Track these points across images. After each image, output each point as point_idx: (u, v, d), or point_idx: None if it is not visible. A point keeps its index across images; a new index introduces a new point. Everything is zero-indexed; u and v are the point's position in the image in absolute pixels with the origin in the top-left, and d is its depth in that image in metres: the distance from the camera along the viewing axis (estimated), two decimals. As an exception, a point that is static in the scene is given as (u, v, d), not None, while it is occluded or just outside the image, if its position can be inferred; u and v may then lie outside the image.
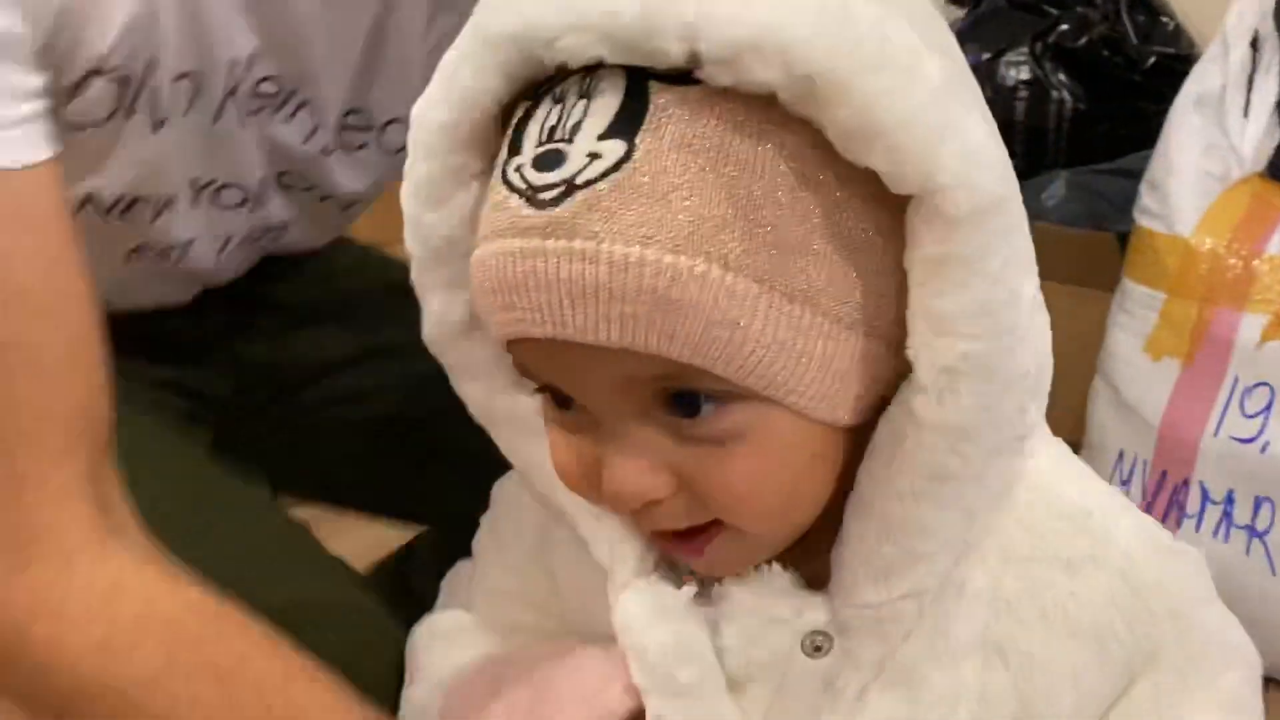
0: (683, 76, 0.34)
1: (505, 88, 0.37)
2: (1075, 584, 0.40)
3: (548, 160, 0.35)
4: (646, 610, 0.41)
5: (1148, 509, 1.35)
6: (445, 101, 0.39)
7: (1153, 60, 1.87)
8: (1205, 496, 1.30)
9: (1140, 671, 0.40)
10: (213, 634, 0.44)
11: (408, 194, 0.42)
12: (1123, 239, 1.56)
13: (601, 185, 0.34)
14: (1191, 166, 1.37)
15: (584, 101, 0.34)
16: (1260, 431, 1.25)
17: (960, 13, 2.16)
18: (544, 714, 0.40)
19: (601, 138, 0.34)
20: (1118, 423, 1.41)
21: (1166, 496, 1.34)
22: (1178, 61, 1.57)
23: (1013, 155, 1.76)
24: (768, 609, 0.40)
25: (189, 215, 0.58)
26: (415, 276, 0.44)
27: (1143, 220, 1.44)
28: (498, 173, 0.38)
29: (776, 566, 0.41)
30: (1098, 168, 1.96)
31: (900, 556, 0.38)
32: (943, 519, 0.38)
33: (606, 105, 0.34)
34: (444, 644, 0.52)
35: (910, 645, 0.40)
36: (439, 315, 0.44)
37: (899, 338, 0.38)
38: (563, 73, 0.36)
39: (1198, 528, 1.29)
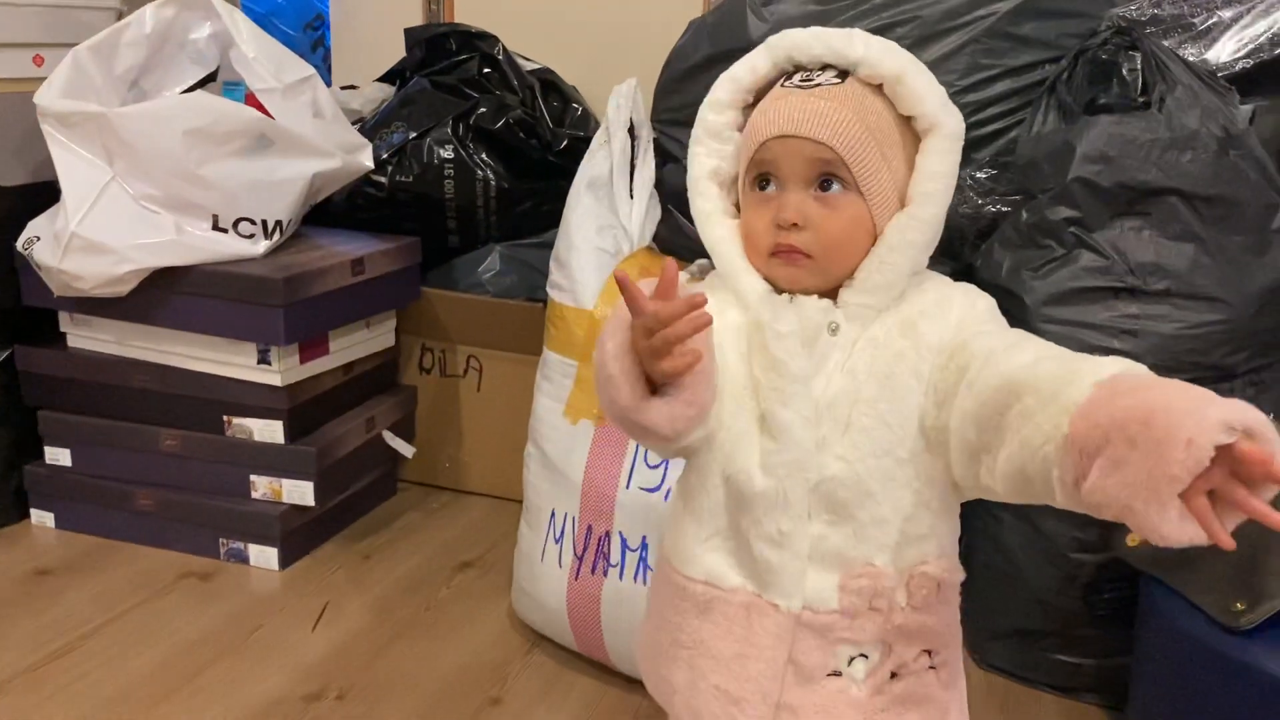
0: (846, 73, 0.82)
1: (764, 73, 0.85)
2: (950, 306, 0.82)
3: (809, 79, 0.81)
4: (767, 304, 0.81)
5: (579, 564, 1.44)
6: (728, 85, 0.86)
7: (565, 142, 2.04)
8: (624, 545, 1.40)
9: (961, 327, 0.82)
10: None
11: (705, 122, 0.87)
12: (544, 310, 1.66)
13: (829, 86, 0.80)
14: (589, 244, 1.49)
15: (823, 70, 0.82)
16: (661, 481, 1.38)
17: (389, 90, 2.21)
18: None
19: (832, 78, 0.81)
20: (548, 483, 1.49)
21: (594, 549, 1.43)
22: (585, 144, 1.71)
23: (447, 232, 1.84)
24: (815, 307, 0.81)
25: None
26: (694, 149, 0.88)
27: (553, 294, 1.55)
28: (779, 85, 0.84)
29: (819, 296, 0.81)
30: (527, 241, 2.09)
31: (880, 284, 0.80)
32: (901, 268, 0.80)
33: (831, 72, 0.82)
34: None
35: (876, 325, 0.81)
36: (708, 168, 0.87)
37: (904, 194, 0.82)
38: (798, 66, 0.84)
39: (620, 575, 1.40)
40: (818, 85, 0.80)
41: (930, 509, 0.80)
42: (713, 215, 0.86)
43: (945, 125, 0.81)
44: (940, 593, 0.82)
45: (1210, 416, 0.58)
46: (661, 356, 0.71)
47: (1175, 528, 0.59)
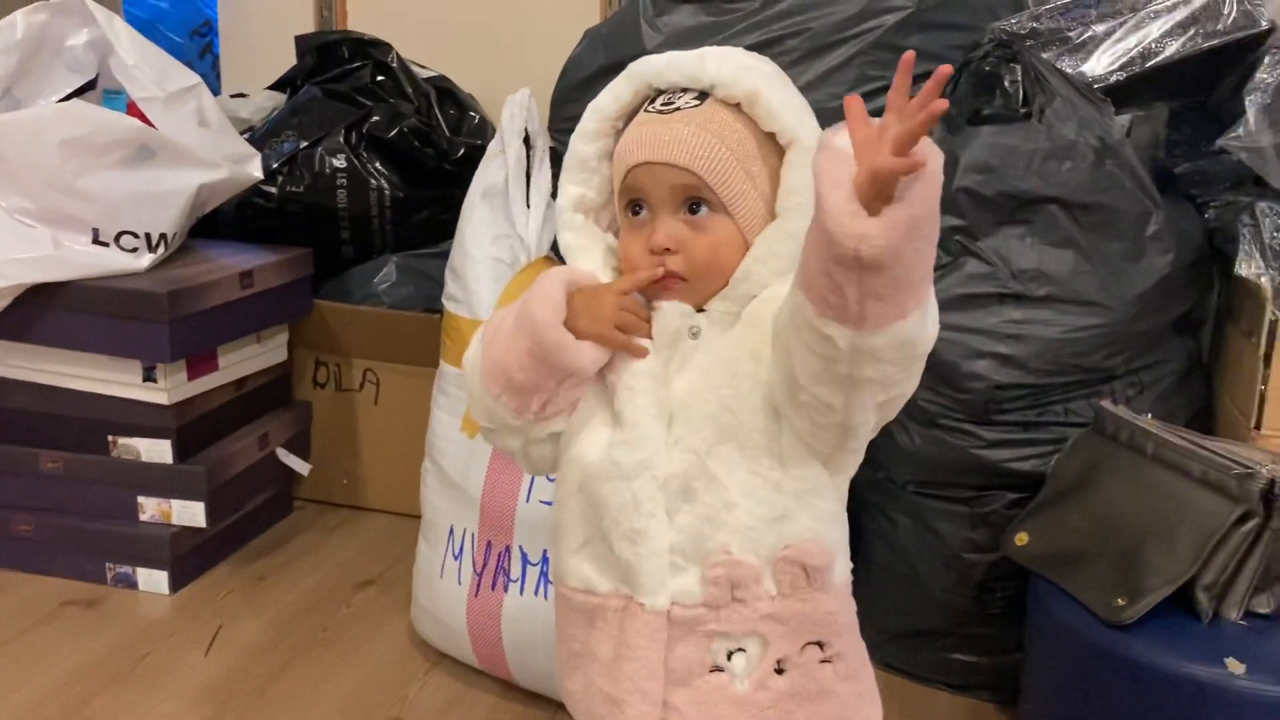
0: (706, 94, 0.83)
1: (628, 101, 0.87)
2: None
3: (669, 103, 0.83)
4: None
5: (479, 580, 1.42)
6: (594, 116, 0.87)
7: (462, 151, 2.02)
8: (525, 559, 1.39)
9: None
10: None
11: (575, 153, 0.88)
12: (440, 322, 1.63)
13: (688, 110, 0.82)
14: (484, 254, 1.48)
15: (682, 94, 0.83)
16: (561, 493, 1.37)
17: (280, 98, 2.16)
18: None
19: (691, 100, 0.82)
20: (446, 499, 1.47)
21: (494, 565, 1.41)
22: (483, 153, 1.70)
23: (340, 242, 1.82)
24: (675, 312, 0.83)
25: None
26: (562, 179, 0.90)
27: (448, 305, 1.53)
28: (643, 110, 0.85)
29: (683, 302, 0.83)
30: (425, 251, 2.06)
31: (744, 294, 0.82)
32: (764, 279, 0.81)
33: (690, 95, 0.83)
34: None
35: (736, 326, 0.82)
36: (573, 197, 0.89)
37: (772, 205, 0.83)
38: (659, 90, 0.85)
39: (521, 590, 1.39)
40: (677, 109, 0.82)
41: (782, 491, 0.80)
42: (573, 247, 0.88)
43: (803, 140, 0.81)
44: (811, 580, 0.81)
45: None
46: (618, 327, 0.82)
47: (858, 220, 0.66)
